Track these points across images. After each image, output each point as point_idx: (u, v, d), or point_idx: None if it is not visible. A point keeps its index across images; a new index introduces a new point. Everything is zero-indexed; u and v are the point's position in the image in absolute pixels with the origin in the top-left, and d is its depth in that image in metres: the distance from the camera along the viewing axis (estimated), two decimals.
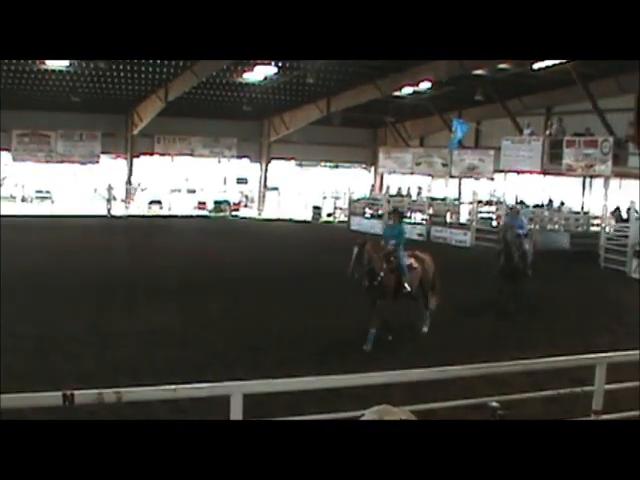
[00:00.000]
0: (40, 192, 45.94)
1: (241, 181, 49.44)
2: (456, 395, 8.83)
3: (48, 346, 13.17)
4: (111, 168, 45.09)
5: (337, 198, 44.96)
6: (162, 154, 45.33)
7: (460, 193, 42.96)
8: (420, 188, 43.99)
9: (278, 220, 42.85)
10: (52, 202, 45.42)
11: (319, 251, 27.43)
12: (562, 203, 38.53)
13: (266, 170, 47.74)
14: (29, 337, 13.63)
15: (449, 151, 40.65)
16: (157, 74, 37.93)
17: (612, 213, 32.52)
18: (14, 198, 45.60)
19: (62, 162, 43.38)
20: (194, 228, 36.74)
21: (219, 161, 47.47)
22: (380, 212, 40.12)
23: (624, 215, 31.34)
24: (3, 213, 38.12)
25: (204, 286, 19.73)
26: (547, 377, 10.61)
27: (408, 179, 45.21)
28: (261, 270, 22.98)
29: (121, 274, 21.08)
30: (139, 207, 44.74)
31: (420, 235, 35.98)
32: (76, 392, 5.92)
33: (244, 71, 36.96)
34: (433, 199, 41.20)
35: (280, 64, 35.54)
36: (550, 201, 38.61)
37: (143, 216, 42.66)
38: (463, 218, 37.95)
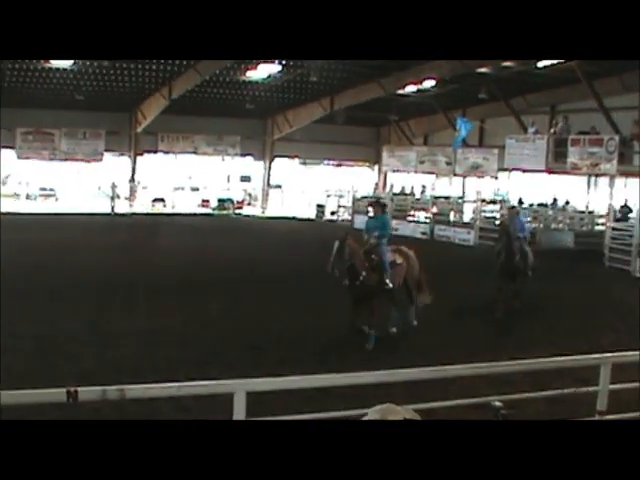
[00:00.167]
0: (44, 190, 46.11)
1: (245, 179, 49.51)
2: (456, 395, 8.80)
3: (48, 346, 13.13)
4: (115, 166, 45.18)
5: (341, 196, 44.95)
6: (166, 152, 45.37)
7: (464, 192, 42.92)
8: (424, 187, 43.94)
9: (281, 218, 42.83)
10: (56, 200, 45.57)
11: (321, 249, 27.34)
12: (567, 202, 38.46)
13: (269, 168, 47.75)
14: (29, 337, 13.59)
15: (453, 150, 40.65)
16: (161, 72, 37.95)
17: (620, 209, 32.43)
18: (18, 196, 45.75)
19: (66, 160, 43.46)
20: (197, 226, 36.73)
21: (223, 159, 47.47)
22: None
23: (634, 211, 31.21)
24: (7, 211, 38.22)
25: (205, 285, 19.69)
26: (550, 377, 10.57)
27: (412, 177, 45.18)
28: (262, 269, 22.94)
29: (122, 273, 21.05)
30: (143, 205, 44.79)
31: (423, 234, 36.00)
32: (80, 389, 5.91)
33: (248, 69, 36.97)
34: (437, 198, 41.15)
35: (284, 62, 35.52)
36: (555, 200, 38.54)
37: (147, 214, 42.70)
38: (467, 217, 37.88)
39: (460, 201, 40.77)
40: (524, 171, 37.23)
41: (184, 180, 48.17)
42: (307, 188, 49.44)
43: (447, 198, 41.69)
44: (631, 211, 31.26)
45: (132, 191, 44.82)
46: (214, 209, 46.09)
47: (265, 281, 20.77)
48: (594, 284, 22.43)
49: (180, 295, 18.27)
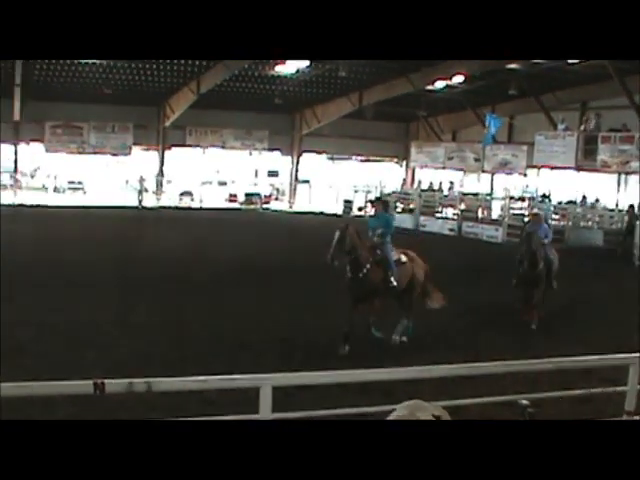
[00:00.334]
0: (72, 183, 46.44)
1: (272, 174, 49.59)
2: (483, 392, 8.75)
3: (77, 337, 13.22)
4: (143, 160, 45.41)
5: (368, 192, 44.88)
6: (194, 146, 45.58)
7: (492, 188, 42.75)
8: (452, 183, 43.83)
9: (309, 213, 42.82)
10: (84, 193, 45.89)
11: None
12: (597, 200, 38.17)
13: (297, 163, 47.80)
14: (58, 327, 13.70)
15: (482, 146, 40.46)
16: (189, 67, 38.11)
17: None
18: (46, 189, 46.11)
19: (94, 153, 43.78)
20: (225, 221, 36.79)
21: (250, 153, 47.61)
22: (411, 206, 40.05)
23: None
24: (35, 203, 38.63)
25: (234, 278, 19.75)
26: (576, 376, 10.48)
27: (440, 174, 45.07)
28: (293, 262, 22.92)
29: (150, 265, 21.15)
30: (170, 199, 44.98)
31: (451, 230, 35.92)
32: (107, 381, 5.95)
33: (276, 64, 36.98)
34: (465, 194, 41.04)
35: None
36: (584, 198, 38.27)
37: (174, 208, 42.88)
38: (495, 214, 37.74)
39: (488, 198, 40.62)
40: (553, 168, 37.01)
41: (212, 174, 48.32)
42: (335, 183, 49.43)
43: (475, 195, 41.55)
44: None
45: (159, 185, 45.03)
46: (241, 204, 46.18)
47: (296, 272, 20.74)
48: (623, 283, 22.22)
49: (207, 287, 18.32)
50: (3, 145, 40.71)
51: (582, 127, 34.67)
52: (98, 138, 42.92)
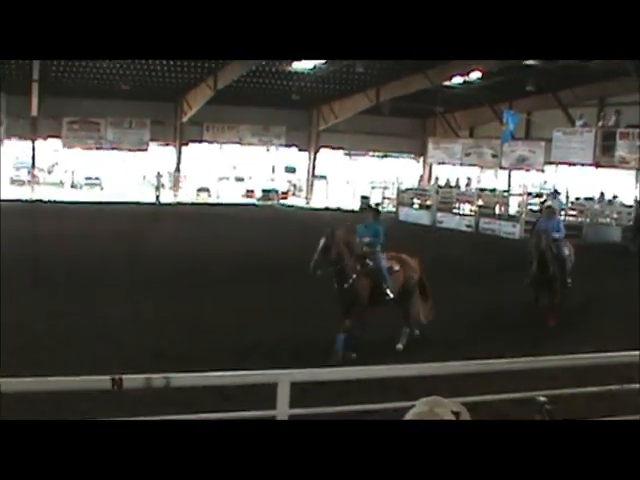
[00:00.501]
0: (89, 179, 46.63)
1: (289, 170, 49.61)
2: (499, 389, 8.71)
3: (93, 333, 13.28)
4: (160, 156, 45.49)
5: (385, 188, 44.82)
6: (211, 142, 45.57)
7: (510, 185, 42.56)
8: (469, 179, 43.64)
9: (326, 209, 42.77)
10: (101, 189, 46.07)
11: None
12: (614, 196, 37.91)
13: (314, 159, 47.74)
14: (74, 323, 13.77)
15: (500, 142, 40.30)
16: (206, 62, 38.12)
17: None
18: (63, 184, 46.34)
19: (111, 149, 43.88)
20: (241, 216, 36.80)
21: (267, 149, 47.58)
22: (428, 203, 39.99)
23: None
24: (53, 199, 38.84)
25: (250, 274, 19.76)
26: (591, 374, 10.42)
27: (457, 170, 44.91)
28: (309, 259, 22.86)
29: (166, 261, 21.18)
30: (187, 195, 45.07)
31: (468, 226, 35.86)
32: (124, 376, 5.96)
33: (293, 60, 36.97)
34: (482, 190, 40.88)
35: None
36: (602, 194, 38.03)
37: (191, 204, 42.95)
38: (512, 210, 37.58)
39: (506, 194, 40.43)
40: (571, 164, 36.82)
41: (229, 170, 48.38)
42: (352, 179, 49.37)
43: (492, 191, 41.36)
44: None
45: (177, 181, 45.12)
46: (258, 199, 46.23)
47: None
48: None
49: (222, 284, 18.34)
50: (21, 141, 40.93)
51: (600, 123, 34.45)
52: (115, 134, 43.00)
